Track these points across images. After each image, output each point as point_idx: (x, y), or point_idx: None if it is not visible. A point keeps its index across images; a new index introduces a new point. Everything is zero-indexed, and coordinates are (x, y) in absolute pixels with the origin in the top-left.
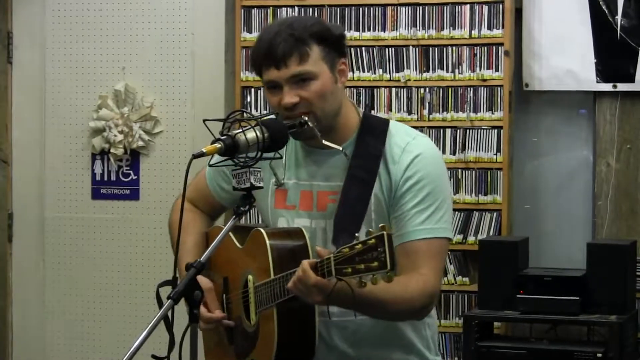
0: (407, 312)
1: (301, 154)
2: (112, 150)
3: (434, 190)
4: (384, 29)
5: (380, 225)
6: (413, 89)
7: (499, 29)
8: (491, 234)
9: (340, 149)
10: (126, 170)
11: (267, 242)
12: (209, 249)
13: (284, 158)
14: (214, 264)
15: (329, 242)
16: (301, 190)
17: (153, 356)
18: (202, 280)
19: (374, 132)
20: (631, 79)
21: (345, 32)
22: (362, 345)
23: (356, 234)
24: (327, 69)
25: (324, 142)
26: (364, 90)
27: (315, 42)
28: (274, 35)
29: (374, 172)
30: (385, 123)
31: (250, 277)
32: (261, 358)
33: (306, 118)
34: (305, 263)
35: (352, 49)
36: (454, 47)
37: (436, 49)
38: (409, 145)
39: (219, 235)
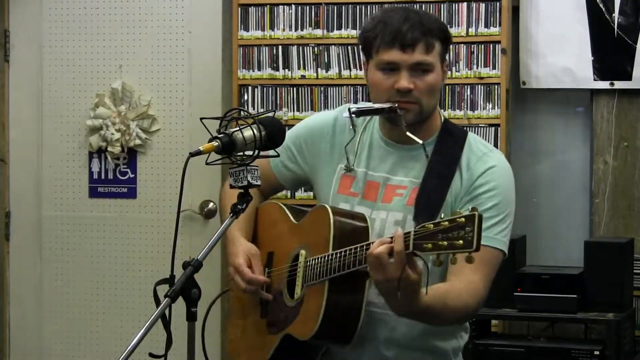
0: (459, 319)
1: (376, 144)
2: (109, 149)
3: (501, 202)
4: None
5: (471, 207)
6: None
7: (496, 27)
8: None
9: (421, 142)
10: (123, 168)
11: (332, 217)
12: (207, 246)
13: (355, 144)
14: (259, 240)
15: (386, 234)
16: (368, 180)
17: (150, 354)
18: (249, 245)
19: (454, 136)
20: (628, 77)
21: (342, 30)
22: (393, 345)
23: (442, 214)
24: (440, 66)
25: (407, 133)
26: (361, 89)
27: (438, 38)
28: (404, 19)
29: (452, 170)
30: (464, 131)
31: (302, 251)
32: (299, 333)
33: (397, 105)
34: (399, 230)
35: (349, 47)
36: (451, 45)
37: None
38: (485, 156)
39: (217, 234)
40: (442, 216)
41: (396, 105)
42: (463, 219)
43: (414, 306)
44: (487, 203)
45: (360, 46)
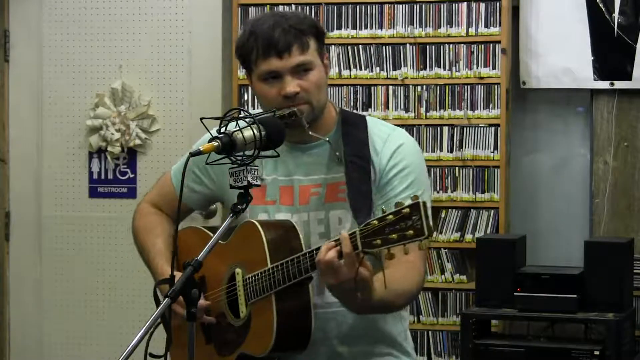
0: (409, 300)
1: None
2: (109, 149)
3: (418, 178)
4: (381, 27)
5: (412, 195)
6: (410, 87)
7: (496, 26)
8: (489, 232)
9: (327, 139)
10: (123, 168)
11: (262, 231)
12: (206, 247)
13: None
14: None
15: (313, 234)
16: (280, 186)
17: (150, 354)
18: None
19: (354, 124)
20: (628, 77)
21: (342, 30)
22: (345, 340)
23: (383, 208)
24: (320, 61)
25: (310, 133)
26: (360, 89)
27: (311, 35)
28: (273, 26)
29: (366, 158)
30: (362, 117)
31: (238, 270)
32: (254, 350)
33: (296, 109)
34: (343, 232)
35: (349, 47)
36: (451, 45)
37: (433, 46)
38: (390, 137)
39: (217, 233)
40: (384, 210)
41: (295, 109)
42: (407, 209)
43: (371, 302)
44: (405, 181)
45: (240, 62)
